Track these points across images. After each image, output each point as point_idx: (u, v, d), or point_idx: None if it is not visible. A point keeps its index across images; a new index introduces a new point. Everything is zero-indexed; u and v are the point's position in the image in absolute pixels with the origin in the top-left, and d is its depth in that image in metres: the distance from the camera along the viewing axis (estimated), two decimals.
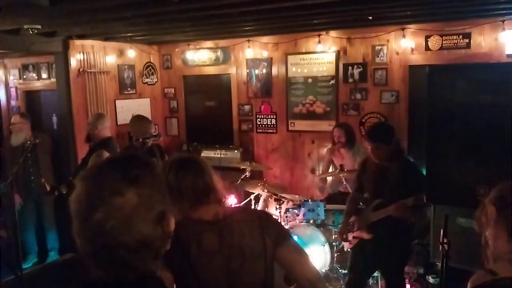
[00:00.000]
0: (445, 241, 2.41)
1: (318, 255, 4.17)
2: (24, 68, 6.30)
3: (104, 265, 0.95)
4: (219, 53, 6.22)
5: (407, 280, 3.87)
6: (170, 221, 1.01)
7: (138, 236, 0.94)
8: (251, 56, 5.97)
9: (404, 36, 5.03)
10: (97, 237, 0.93)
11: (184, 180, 1.67)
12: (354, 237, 3.46)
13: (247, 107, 6.17)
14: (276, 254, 1.68)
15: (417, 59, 5.07)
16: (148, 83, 6.52)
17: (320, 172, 5.40)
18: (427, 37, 4.99)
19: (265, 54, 5.86)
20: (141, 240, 0.94)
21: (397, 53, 5.16)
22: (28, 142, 4.63)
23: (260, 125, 6.10)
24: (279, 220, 4.51)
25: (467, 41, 4.81)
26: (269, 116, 6.01)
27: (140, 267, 0.97)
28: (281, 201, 4.72)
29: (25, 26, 4.23)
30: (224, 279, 1.61)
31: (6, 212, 5.52)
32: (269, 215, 1.84)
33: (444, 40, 4.92)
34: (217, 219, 1.65)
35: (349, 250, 3.74)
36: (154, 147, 3.79)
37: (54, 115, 5.93)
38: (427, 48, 5.00)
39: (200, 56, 6.36)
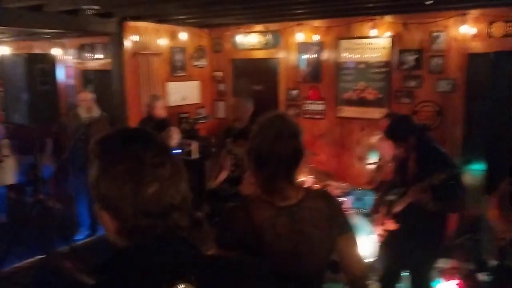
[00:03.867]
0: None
1: (365, 245, 4.11)
2: (81, 48, 6.52)
3: (156, 232, 0.99)
4: (269, 37, 6.17)
5: (457, 276, 3.74)
6: None
7: (183, 193, 1.02)
8: (301, 40, 5.88)
9: (464, 22, 4.79)
10: (155, 207, 0.98)
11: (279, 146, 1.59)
12: (383, 230, 3.38)
13: (294, 92, 6.12)
14: (336, 242, 1.67)
15: (477, 46, 4.82)
16: (198, 66, 6.59)
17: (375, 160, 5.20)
18: (490, 23, 4.72)
19: (316, 38, 5.76)
20: (184, 197, 1.02)
21: (456, 40, 4.93)
22: (86, 119, 4.81)
23: (308, 111, 6.03)
24: None
25: None
26: (317, 102, 5.93)
27: (184, 225, 1.03)
28: (328, 188, 4.67)
29: (84, 7, 4.37)
30: (291, 262, 1.61)
31: (61, 185, 5.80)
32: (335, 201, 1.76)
33: (509, 27, 4.64)
34: (289, 204, 1.62)
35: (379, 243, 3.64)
36: None
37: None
38: (489, 35, 4.74)
39: (249, 39, 6.34)
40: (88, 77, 6.72)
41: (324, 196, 1.72)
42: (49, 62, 3.99)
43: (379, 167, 5.10)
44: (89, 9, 4.40)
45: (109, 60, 5.83)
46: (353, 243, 1.70)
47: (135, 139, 1.04)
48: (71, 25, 4.92)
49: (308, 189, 1.74)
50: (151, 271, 0.95)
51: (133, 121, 5.59)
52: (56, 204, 5.74)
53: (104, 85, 6.38)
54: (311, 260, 1.64)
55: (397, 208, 3.14)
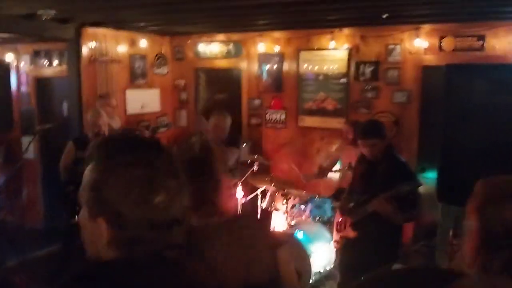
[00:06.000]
0: (454, 242, 2.39)
1: (324, 253, 4.16)
2: (36, 54, 6.30)
3: (156, 246, 0.94)
4: (231, 46, 6.20)
5: None
6: None
7: (184, 209, 0.99)
8: (262, 50, 5.94)
9: (418, 36, 4.99)
10: (161, 218, 0.94)
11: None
12: (341, 237, 3.43)
13: (257, 102, 6.15)
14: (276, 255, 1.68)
15: (430, 59, 5.03)
16: (159, 73, 6.51)
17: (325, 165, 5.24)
18: (441, 38, 4.94)
19: (277, 49, 5.83)
20: (184, 213, 0.99)
21: (410, 53, 5.12)
22: (38, 128, 4.65)
23: (270, 120, 6.08)
24: (285, 216, 4.50)
25: (482, 43, 4.76)
26: (279, 111, 5.99)
27: (181, 243, 0.99)
28: (288, 197, 4.70)
29: (39, 12, 4.23)
30: (241, 274, 1.61)
31: (13, 197, 5.55)
32: (268, 219, 1.91)
33: (458, 42, 4.88)
34: (227, 219, 1.64)
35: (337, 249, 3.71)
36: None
37: (64, 102, 5.92)
38: (440, 48, 4.96)
39: (212, 49, 6.34)
40: (43, 85, 6.49)
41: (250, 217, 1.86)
42: (1, 69, 3.83)
43: (342, 174, 5.17)
44: (45, 14, 4.27)
45: (65, 67, 5.67)
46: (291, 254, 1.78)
47: (147, 146, 1.00)
48: (26, 30, 4.75)
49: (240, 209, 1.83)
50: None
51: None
52: (7, 215, 5.50)
53: (60, 93, 6.18)
54: (256, 270, 1.61)
55: (358, 216, 3.19)
